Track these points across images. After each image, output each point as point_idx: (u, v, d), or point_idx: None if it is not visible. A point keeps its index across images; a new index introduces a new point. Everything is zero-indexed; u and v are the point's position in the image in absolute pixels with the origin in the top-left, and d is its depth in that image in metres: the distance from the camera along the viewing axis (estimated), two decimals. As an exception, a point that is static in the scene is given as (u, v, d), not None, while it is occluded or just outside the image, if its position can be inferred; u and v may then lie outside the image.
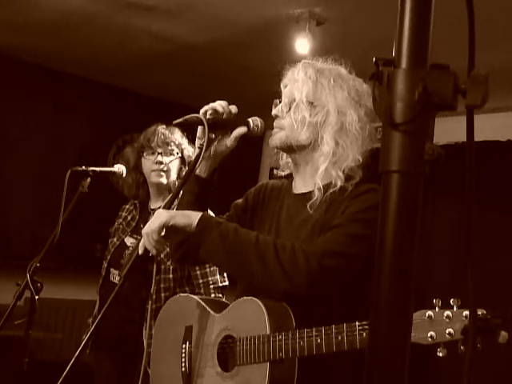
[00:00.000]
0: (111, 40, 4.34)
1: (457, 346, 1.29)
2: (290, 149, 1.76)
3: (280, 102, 1.78)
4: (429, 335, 1.31)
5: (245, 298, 1.67)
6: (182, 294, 2.08)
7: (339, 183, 1.67)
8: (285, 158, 1.87)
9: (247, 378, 1.61)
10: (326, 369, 1.57)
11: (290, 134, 1.73)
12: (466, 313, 1.29)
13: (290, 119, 1.73)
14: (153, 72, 5.01)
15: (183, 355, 1.79)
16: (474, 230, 0.74)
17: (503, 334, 1.23)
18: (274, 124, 1.77)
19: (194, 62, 4.64)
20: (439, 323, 1.31)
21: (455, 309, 1.31)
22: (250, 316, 1.63)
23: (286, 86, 1.78)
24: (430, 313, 1.33)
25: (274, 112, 1.77)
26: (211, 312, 1.78)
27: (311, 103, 1.71)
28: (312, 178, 1.72)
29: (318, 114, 1.70)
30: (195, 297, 1.90)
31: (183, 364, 1.78)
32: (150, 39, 4.25)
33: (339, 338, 1.45)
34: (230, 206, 1.96)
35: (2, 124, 4.86)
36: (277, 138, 1.75)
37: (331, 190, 1.68)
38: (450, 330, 1.29)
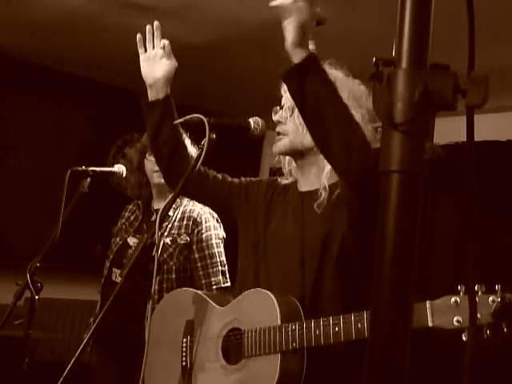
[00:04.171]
0: (111, 40, 4.34)
1: (482, 331, 1.34)
2: (294, 153, 1.76)
3: (280, 108, 1.78)
4: (455, 319, 1.36)
5: (254, 289, 1.66)
6: (180, 289, 2.05)
7: None
8: (287, 166, 1.86)
9: (256, 369, 1.59)
10: (333, 359, 1.57)
11: (294, 138, 1.72)
12: (492, 298, 1.34)
13: (293, 124, 1.73)
14: (153, 72, 5.00)
15: (184, 349, 1.77)
16: (474, 230, 0.74)
17: None
18: (277, 130, 1.76)
19: (195, 62, 4.62)
20: (466, 309, 1.36)
21: (480, 294, 1.35)
22: (259, 308, 1.62)
23: (286, 92, 1.76)
24: (456, 298, 1.38)
25: (275, 118, 1.77)
26: (215, 305, 1.76)
27: None
28: (317, 178, 1.72)
29: None
30: (195, 290, 1.88)
31: (184, 358, 1.76)
32: (150, 39, 4.25)
33: (359, 325, 1.45)
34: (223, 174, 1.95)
35: (2, 124, 4.86)
36: (281, 144, 1.75)
37: (339, 190, 1.67)
38: (478, 314, 1.33)
